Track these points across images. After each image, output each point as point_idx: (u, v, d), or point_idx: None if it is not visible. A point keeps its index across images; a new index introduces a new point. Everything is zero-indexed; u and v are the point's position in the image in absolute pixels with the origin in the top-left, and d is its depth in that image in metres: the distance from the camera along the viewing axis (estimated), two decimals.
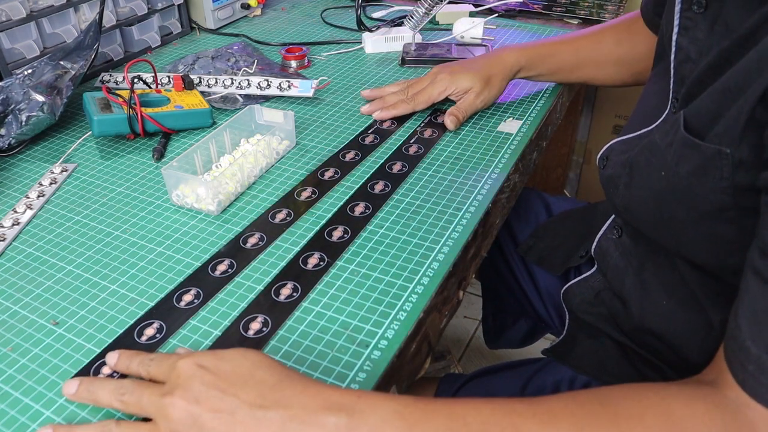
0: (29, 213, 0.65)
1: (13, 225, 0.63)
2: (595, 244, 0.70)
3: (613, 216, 0.68)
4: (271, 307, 0.52)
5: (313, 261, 0.57)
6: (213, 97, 0.86)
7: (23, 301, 0.54)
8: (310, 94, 0.85)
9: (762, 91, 0.39)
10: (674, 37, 0.53)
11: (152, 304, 0.53)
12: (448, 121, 0.77)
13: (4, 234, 0.62)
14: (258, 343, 0.49)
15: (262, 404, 0.38)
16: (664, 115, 0.55)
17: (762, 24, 0.42)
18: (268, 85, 0.86)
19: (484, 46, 1.00)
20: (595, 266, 0.70)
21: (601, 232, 0.69)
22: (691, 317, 0.56)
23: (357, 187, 0.67)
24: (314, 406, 0.38)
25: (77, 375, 0.47)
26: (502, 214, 0.71)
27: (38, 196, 0.68)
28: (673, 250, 0.54)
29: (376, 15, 1.18)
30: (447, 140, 0.76)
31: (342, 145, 0.76)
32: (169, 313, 0.52)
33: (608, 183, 0.59)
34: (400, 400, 0.39)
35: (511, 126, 0.79)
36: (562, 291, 0.74)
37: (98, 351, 0.49)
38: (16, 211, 0.65)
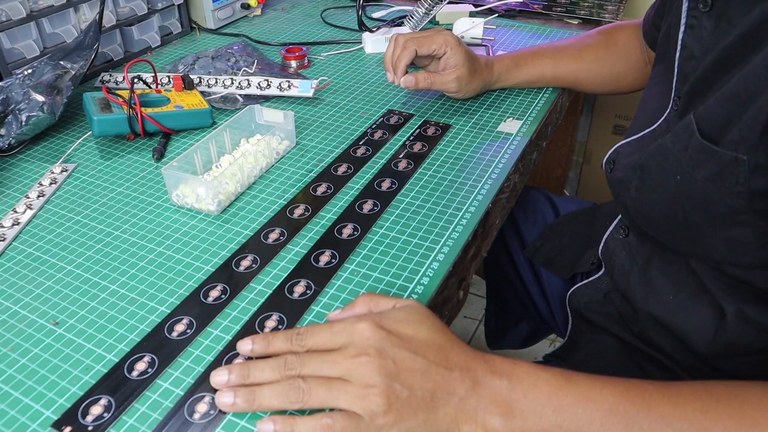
0: (29, 213, 0.65)
1: (13, 225, 0.63)
2: (602, 244, 0.70)
3: (619, 216, 0.68)
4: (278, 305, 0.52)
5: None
6: (213, 97, 0.86)
7: (23, 301, 0.54)
8: (310, 94, 0.85)
9: None
10: (680, 36, 0.54)
11: (152, 303, 0.53)
12: (408, 77, 0.77)
13: (4, 234, 0.62)
14: None
15: (447, 365, 0.43)
16: (665, 115, 0.55)
17: (765, 20, 0.43)
18: (268, 85, 0.86)
19: (484, 46, 1.00)
20: (603, 269, 0.70)
21: (608, 233, 0.69)
22: (701, 310, 0.56)
23: (364, 184, 0.68)
24: (484, 370, 0.44)
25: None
26: (502, 214, 0.71)
27: (38, 196, 0.68)
28: (688, 251, 0.55)
29: (376, 15, 1.18)
30: (447, 140, 0.76)
31: (338, 153, 0.75)
32: (161, 346, 0.51)
33: (618, 186, 0.60)
34: (548, 369, 0.44)
35: (511, 126, 0.79)
36: (569, 293, 0.74)
37: (98, 351, 0.49)
38: (16, 211, 0.65)
